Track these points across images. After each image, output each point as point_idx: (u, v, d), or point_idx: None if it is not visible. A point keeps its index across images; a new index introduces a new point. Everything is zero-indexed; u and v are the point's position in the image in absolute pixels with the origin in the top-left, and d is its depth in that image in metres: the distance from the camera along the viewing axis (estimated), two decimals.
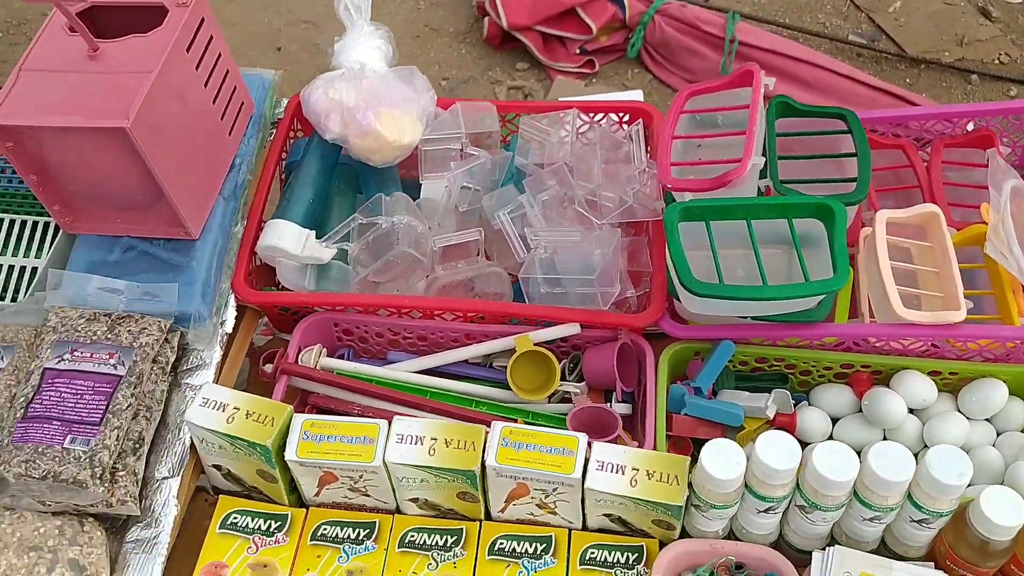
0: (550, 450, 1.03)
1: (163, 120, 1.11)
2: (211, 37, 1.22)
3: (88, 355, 1.09)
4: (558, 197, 1.31)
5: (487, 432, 1.05)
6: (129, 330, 1.12)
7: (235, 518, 1.11)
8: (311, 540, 1.10)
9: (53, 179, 1.16)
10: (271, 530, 1.10)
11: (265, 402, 1.07)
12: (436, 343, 1.27)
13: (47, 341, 1.11)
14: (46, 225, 1.26)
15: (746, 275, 1.13)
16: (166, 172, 1.12)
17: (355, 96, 1.29)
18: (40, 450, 1.02)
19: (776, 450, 0.96)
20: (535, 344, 1.20)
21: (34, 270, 1.23)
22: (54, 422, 1.04)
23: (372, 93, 1.29)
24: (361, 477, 1.07)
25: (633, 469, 1.02)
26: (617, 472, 1.01)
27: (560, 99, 1.68)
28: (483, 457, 1.03)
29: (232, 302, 1.23)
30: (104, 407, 1.05)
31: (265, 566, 1.08)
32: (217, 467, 1.12)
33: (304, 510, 1.13)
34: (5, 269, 1.23)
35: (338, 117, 1.29)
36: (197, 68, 1.19)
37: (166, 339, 1.14)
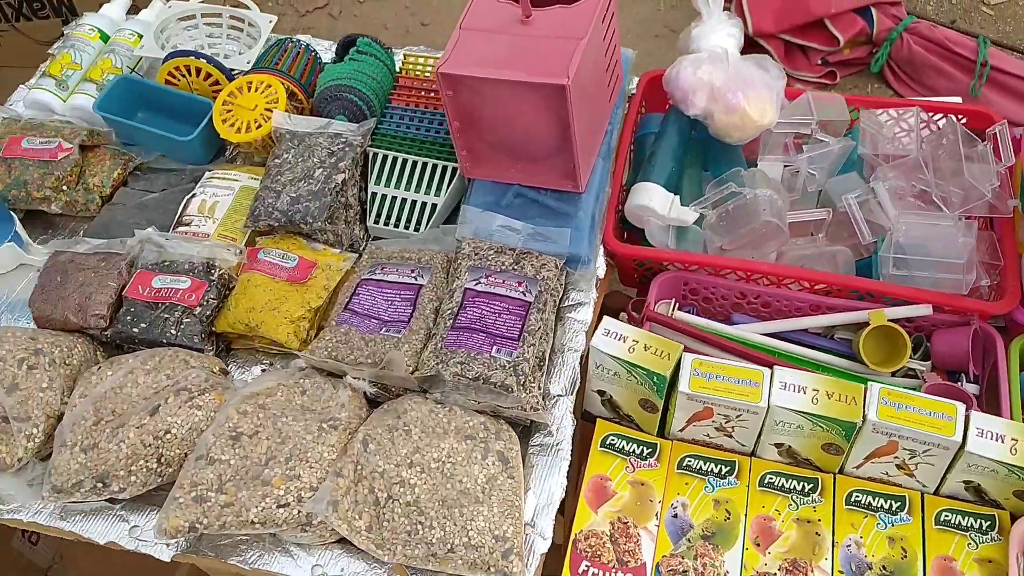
0: (929, 413, 1.12)
1: (583, 82, 1.25)
2: (614, 12, 1.35)
3: (500, 281, 1.24)
4: (898, 187, 1.39)
5: (866, 389, 1.14)
6: (531, 264, 1.26)
7: (612, 440, 1.24)
8: (677, 468, 1.22)
9: (472, 127, 1.32)
10: (644, 454, 1.23)
11: (658, 338, 1.20)
12: (778, 310, 1.37)
13: (464, 266, 1.26)
14: (444, 168, 1.41)
15: None
16: (578, 129, 1.25)
17: (723, 77, 1.40)
18: (472, 355, 1.16)
19: None
20: (888, 320, 1.28)
21: (433, 206, 1.39)
22: (480, 334, 1.19)
23: (738, 75, 1.41)
24: (737, 417, 1.18)
25: (1012, 439, 1.09)
26: (998, 440, 1.09)
27: None
28: (864, 412, 1.13)
29: (602, 252, 1.36)
30: (520, 326, 1.20)
31: (643, 484, 1.20)
32: (600, 392, 1.25)
33: (669, 442, 1.24)
34: (409, 203, 1.39)
35: (704, 95, 1.41)
36: (603, 38, 1.32)
37: (558, 276, 1.28)
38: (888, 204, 1.37)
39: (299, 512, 1.07)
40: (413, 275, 1.28)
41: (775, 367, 1.18)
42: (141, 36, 1.60)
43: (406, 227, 1.39)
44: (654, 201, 1.36)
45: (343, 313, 1.24)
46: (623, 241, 1.41)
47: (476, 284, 1.24)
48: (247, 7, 1.65)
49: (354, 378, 1.19)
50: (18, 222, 1.38)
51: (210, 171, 1.44)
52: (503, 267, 1.26)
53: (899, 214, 1.35)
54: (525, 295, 1.23)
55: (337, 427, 1.13)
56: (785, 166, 1.48)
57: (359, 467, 1.11)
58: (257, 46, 1.58)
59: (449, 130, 1.32)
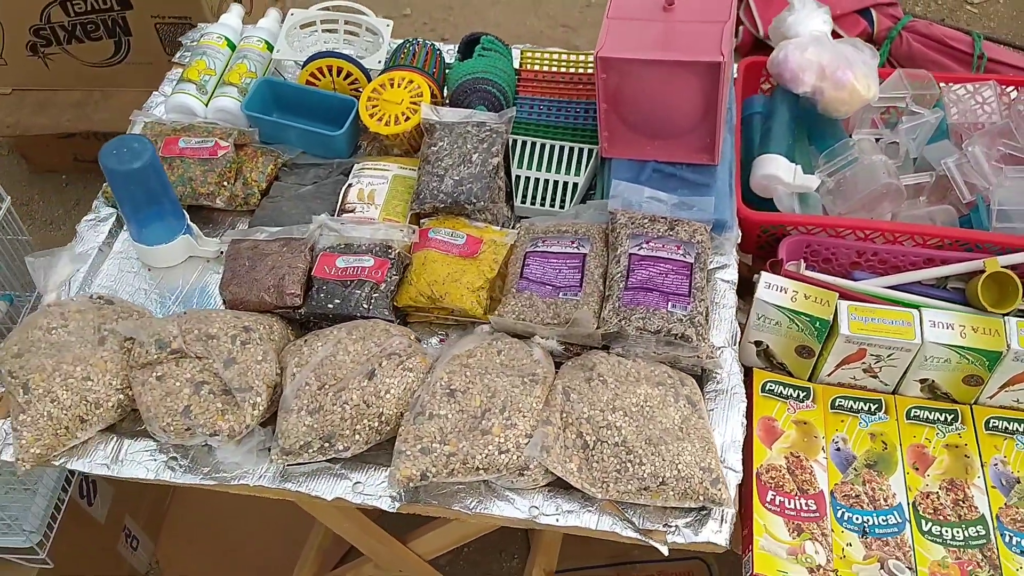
0: None
1: (726, 60, 1.37)
2: None
3: (661, 245, 1.36)
4: (987, 151, 1.54)
5: (1005, 322, 1.28)
6: (684, 230, 1.38)
7: (771, 386, 1.36)
8: (831, 408, 1.34)
9: (617, 108, 1.44)
10: (800, 397, 1.35)
11: (815, 288, 1.32)
12: (894, 266, 1.51)
13: (623, 234, 1.38)
14: (580, 150, 1.53)
15: None
16: (721, 105, 1.38)
17: (828, 56, 1.54)
18: (650, 311, 1.28)
19: None
20: (1001, 266, 1.42)
21: (574, 185, 1.50)
22: (653, 292, 1.30)
23: (842, 55, 1.55)
24: (888, 356, 1.31)
25: None
26: None
27: None
28: (1007, 342, 1.26)
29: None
30: (688, 284, 1.31)
31: (804, 423, 1.32)
32: (757, 343, 1.37)
33: (819, 386, 1.37)
34: (551, 183, 1.51)
35: (813, 73, 1.54)
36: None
37: (709, 240, 1.40)
38: (984, 165, 1.52)
39: (518, 457, 1.17)
40: (574, 246, 1.39)
41: (922, 308, 1.31)
42: (268, 42, 1.70)
43: (551, 205, 1.50)
44: (780, 170, 1.49)
45: (520, 281, 1.35)
46: None
47: (639, 249, 1.35)
48: (363, 13, 1.75)
49: (543, 338, 1.30)
50: (188, 217, 1.46)
51: (358, 163, 1.54)
52: (660, 233, 1.37)
53: (997, 173, 1.50)
54: (685, 257, 1.35)
55: (537, 381, 1.24)
56: (876, 139, 1.62)
57: (564, 415, 1.21)
58: (383, 47, 1.68)
59: (587, 114, 1.45)
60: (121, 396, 1.25)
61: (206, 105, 1.63)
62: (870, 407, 1.35)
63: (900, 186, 1.48)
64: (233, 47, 1.72)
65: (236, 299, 1.35)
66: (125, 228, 1.52)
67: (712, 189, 1.46)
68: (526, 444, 1.18)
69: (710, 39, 1.34)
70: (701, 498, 1.16)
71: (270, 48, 1.70)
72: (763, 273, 1.35)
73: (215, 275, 1.45)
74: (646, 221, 1.40)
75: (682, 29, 1.38)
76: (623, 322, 1.28)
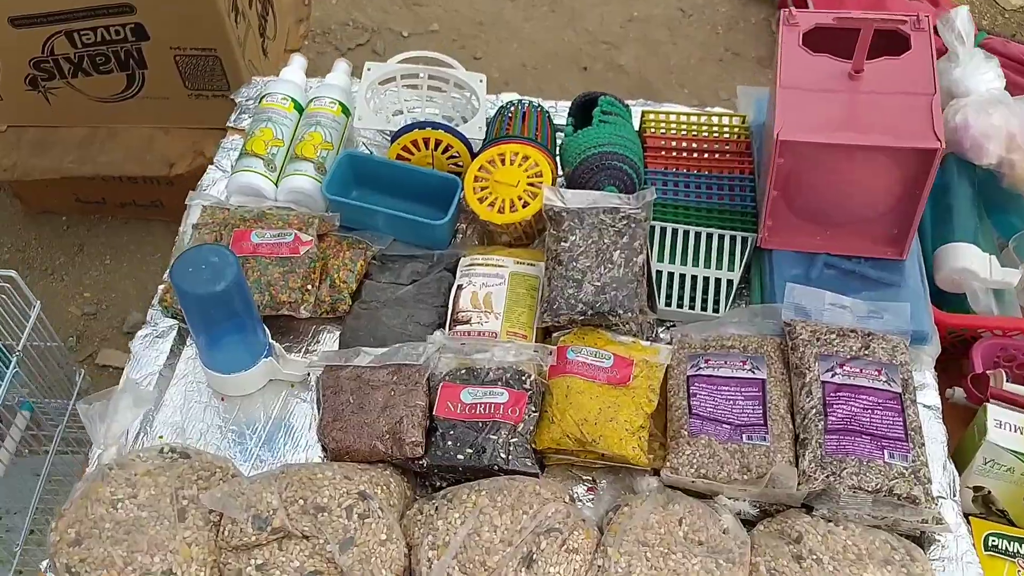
0: None
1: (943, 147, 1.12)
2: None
3: (858, 370, 1.11)
4: None
5: None
6: (882, 348, 1.14)
7: (994, 541, 1.12)
8: None
9: (787, 194, 1.19)
10: None
11: None
12: None
13: (809, 354, 1.13)
14: (732, 239, 1.28)
15: None
16: (927, 193, 1.13)
17: (1018, 122, 1.30)
18: (864, 463, 1.03)
19: None
20: None
21: (729, 282, 1.25)
22: (863, 436, 1.06)
23: None
24: None
25: None
26: None
27: None
28: None
29: None
30: (902, 423, 1.07)
31: None
32: (977, 488, 1.13)
33: None
34: (700, 280, 1.26)
35: (1001, 142, 1.30)
36: None
37: (909, 359, 1.15)
38: None
39: None
40: (747, 367, 1.14)
41: None
42: (341, 103, 1.43)
43: (701, 308, 1.25)
44: (975, 263, 1.25)
45: (692, 421, 1.09)
46: None
47: (832, 376, 1.11)
48: (450, 65, 1.49)
49: (730, 498, 1.05)
50: (268, 334, 1.20)
51: (464, 255, 1.28)
52: (854, 353, 1.13)
53: None
54: (890, 385, 1.10)
55: (734, 561, 0.99)
56: None
57: None
58: (481, 109, 1.42)
59: (732, 191, 1.23)
60: None
61: (276, 184, 1.36)
62: None
63: None
64: (300, 109, 1.45)
65: (341, 448, 1.09)
66: (189, 345, 1.25)
67: (904, 291, 1.21)
68: None
69: (918, 118, 1.09)
70: None
71: (345, 111, 1.44)
72: (989, 406, 1.10)
73: (302, 403, 1.20)
74: (833, 336, 1.15)
75: (877, 103, 1.13)
76: (832, 478, 1.03)
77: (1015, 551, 1.11)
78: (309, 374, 1.21)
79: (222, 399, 1.20)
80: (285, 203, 1.35)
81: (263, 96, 1.46)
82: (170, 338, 1.24)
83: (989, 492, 1.13)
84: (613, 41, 3.32)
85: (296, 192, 1.34)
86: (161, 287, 1.28)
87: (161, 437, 1.16)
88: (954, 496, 1.10)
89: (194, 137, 2.54)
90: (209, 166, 1.45)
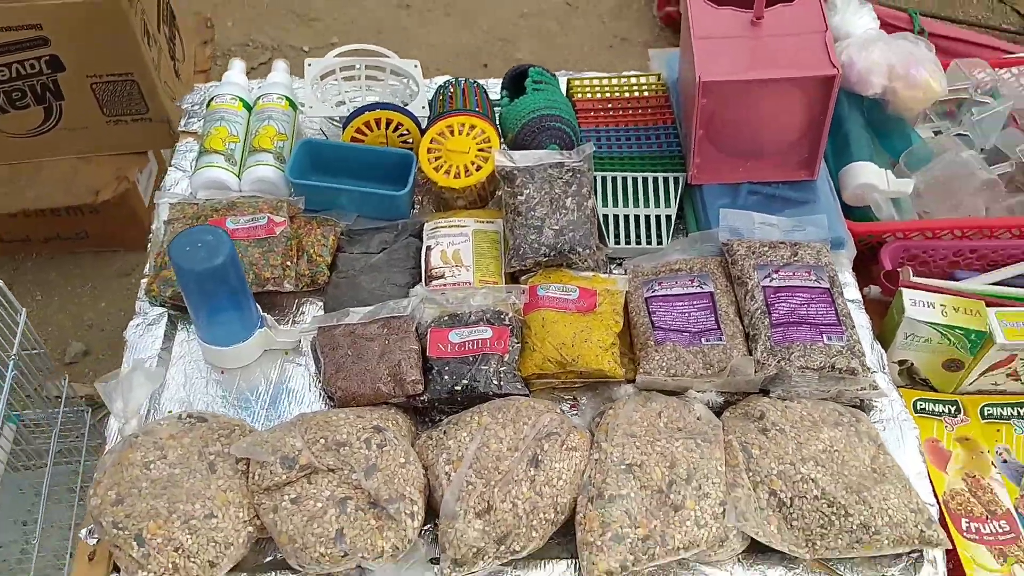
0: None
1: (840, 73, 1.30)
2: None
3: (791, 274, 1.27)
4: None
5: None
6: (809, 253, 1.30)
7: (921, 404, 1.30)
8: (983, 419, 1.29)
9: (711, 132, 1.35)
10: (952, 412, 1.29)
11: (961, 300, 1.27)
12: (992, 261, 1.47)
13: (747, 265, 1.29)
14: (665, 180, 1.43)
15: None
16: (829, 118, 1.31)
17: (896, 55, 1.50)
18: (808, 347, 1.19)
19: None
20: None
21: (668, 218, 1.41)
22: (803, 326, 1.22)
23: (908, 52, 1.51)
24: None
25: None
26: None
27: None
28: None
29: None
30: (834, 311, 1.24)
31: (967, 439, 1.27)
32: (901, 362, 1.31)
33: (963, 396, 1.31)
34: (641, 219, 1.41)
35: (883, 75, 1.50)
36: None
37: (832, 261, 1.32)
38: None
39: (717, 528, 1.07)
40: (695, 284, 1.29)
41: None
42: (288, 98, 1.53)
43: (647, 243, 1.40)
44: (873, 177, 1.43)
45: (656, 332, 1.24)
46: None
47: (770, 280, 1.27)
48: (384, 55, 1.60)
49: (699, 391, 1.19)
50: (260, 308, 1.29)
51: (427, 222, 1.40)
52: (786, 260, 1.29)
53: None
54: (819, 283, 1.27)
55: (710, 440, 1.13)
56: (935, 132, 1.59)
57: (751, 474, 1.11)
58: (420, 91, 1.54)
59: (658, 139, 1.43)
60: (251, 529, 1.08)
61: (239, 177, 1.45)
62: (1020, 411, 1.30)
63: (997, 179, 1.44)
64: (248, 107, 1.54)
65: (348, 395, 1.19)
66: (180, 329, 1.33)
67: (819, 206, 1.39)
68: (722, 513, 1.08)
69: (816, 51, 1.27)
70: (916, 541, 1.08)
71: (292, 105, 1.53)
72: (904, 290, 1.28)
73: (298, 367, 1.29)
74: (766, 248, 1.31)
75: (779, 43, 1.30)
76: (783, 363, 1.19)
77: (940, 411, 1.29)
78: (301, 340, 1.30)
79: (222, 372, 1.28)
80: (250, 192, 1.44)
81: (211, 99, 1.54)
82: (162, 324, 1.32)
83: (912, 364, 1.31)
84: (508, 37, 3.48)
85: (260, 181, 1.43)
86: (144, 280, 1.35)
87: (171, 412, 1.23)
88: (884, 370, 1.27)
89: (117, 163, 2.58)
90: (169, 167, 1.52)
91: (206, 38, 2.97)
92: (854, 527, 1.07)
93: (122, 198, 2.55)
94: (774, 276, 1.27)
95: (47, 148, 2.53)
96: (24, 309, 1.39)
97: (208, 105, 1.54)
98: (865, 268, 1.45)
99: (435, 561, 1.09)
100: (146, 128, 2.52)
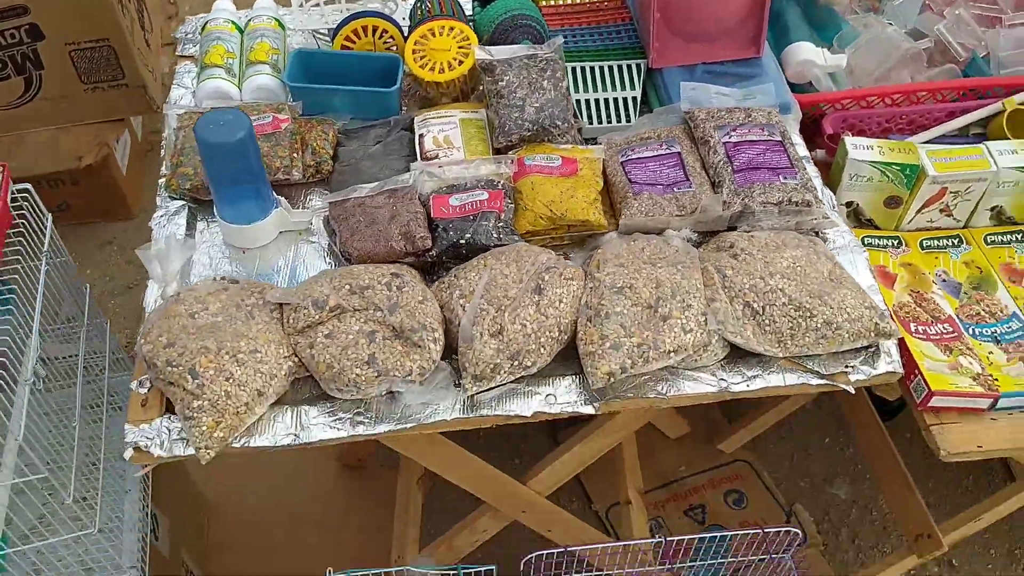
0: None
1: None
2: None
3: (747, 131, 1.44)
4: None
5: None
6: (760, 115, 1.47)
7: (868, 240, 1.47)
8: (922, 250, 1.47)
9: (667, 18, 1.51)
10: (895, 245, 1.47)
11: (893, 142, 1.44)
12: (921, 125, 1.66)
13: (708, 127, 1.45)
14: (628, 67, 1.59)
15: None
16: None
17: None
18: (767, 186, 1.36)
19: None
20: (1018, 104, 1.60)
21: (634, 99, 1.57)
22: (761, 170, 1.38)
23: None
24: (966, 191, 1.45)
25: None
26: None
27: None
28: None
29: None
30: (787, 157, 1.40)
31: (909, 264, 1.44)
32: (848, 204, 1.48)
33: (904, 233, 1.49)
34: (611, 101, 1.56)
35: None
36: None
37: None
38: (974, 25, 1.69)
39: (701, 334, 1.22)
40: (663, 148, 1.45)
41: (983, 141, 1.46)
42: (276, 18, 1.66)
43: (618, 121, 1.55)
44: (811, 55, 1.61)
45: (633, 186, 1.39)
46: None
47: (729, 138, 1.43)
48: None
49: (674, 229, 1.35)
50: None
51: (417, 115, 1.54)
52: (741, 121, 1.46)
53: (986, 30, 1.67)
54: (772, 136, 1.43)
55: (689, 266, 1.29)
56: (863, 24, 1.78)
57: (727, 290, 1.27)
58: (399, 9, 1.68)
59: (619, 34, 1.60)
60: (291, 363, 1.21)
61: (239, 88, 1.57)
62: (953, 242, 1.48)
63: (920, 49, 1.62)
64: (240, 30, 1.67)
65: (364, 254, 1.33)
66: (200, 220, 1.45)
67: (766, 78, 1.56)
68: (704, 320, 1.23)
69: None
70: (872, 334, 1.24)
71: (280, 25, 1.66)
72: (845, 137, 1.45)
73: (312, 246, 1.42)
74: (723, 113, 1.47)
75: None
76: (746, 200, 1.35)
77: (884, 244, 1.47)
78: (313, 221, 1.43)
79: (243, 252, 1.40)
80: (251, 100, 1.56)
81: (205, 23, 1.67)
82: (183, 215, 1.44)
83: (857, 205, 1.48)
84: None
85: (260, 89, 1.56)
86: (162, 180, 1.47)
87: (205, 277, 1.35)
88: (834, 209, 1.44)
89: (95, 131, 2.67)
90: (172, 86, 1.64)
91: (170, 13, 3.07)
92: (819, 325, 1.23)
93: (103, 163, 2.64)
94: (732, 134, 1.44)
95: (27, 120, 2.61)
96: (50, 215, 1.50)
97: (203, 30, 1.67)
98: (810, 139, 1.62)
99: (457, 385, 1.23)
100: (124, 94, 2.63)
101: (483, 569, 1.50)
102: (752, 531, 1.47)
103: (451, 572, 1.49)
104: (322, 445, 1.20)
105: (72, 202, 2.77)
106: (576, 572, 1.47)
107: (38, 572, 1.50)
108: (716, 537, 1.47)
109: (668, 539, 1.45)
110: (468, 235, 1.33)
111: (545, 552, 1.42)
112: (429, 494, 2.07)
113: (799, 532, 1.48)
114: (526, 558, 1.44)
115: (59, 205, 2.76)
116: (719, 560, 1.53)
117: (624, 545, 1.47)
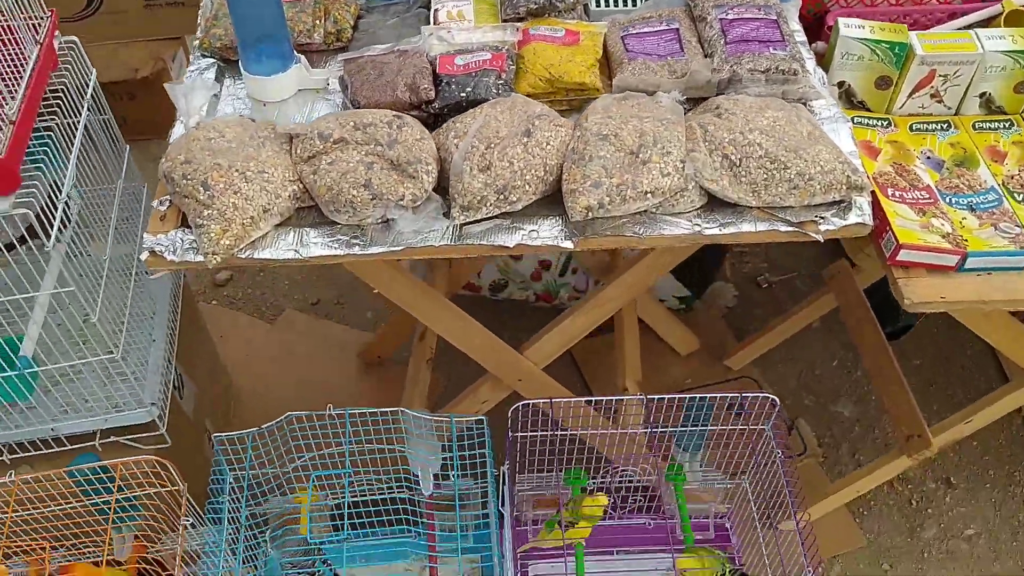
0: None
1: None
2: None
3: (744, 10, 1.51)
4: None
5: None
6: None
7: (859, 120, 1.53)
8: (911, 131, 1.52)
9: None
10: (884, 125, 1.52)
11: (884, 23, 1.50)
12: (924, 25, 1.70)
13: (707, 6, 1.52)
14: None
15: None
16: None
17: None
18: (756, 56, 1.43)
19: None
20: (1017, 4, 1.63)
21: None
22: (752, 42, 1.45)
23: None
24: (955, 74, 1.49)
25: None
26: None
27: None
28: None
29: None
30: (779, 32, 1.47)
31: (895, 141, 1.50)
32: (839, 84, 1.54)
33: (896, 117, 1.54)
34: None
35: None
36: None
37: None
38: None
39: (678, 179, 1.30)
40: (663, 25, 1.53)
41: (973, 29, 1.50)
42: None
43: (624, 5, 1.63)
44: None
45: (629, 54, 1.47)
46: None
47: (726, 15, 1.50)
48: None
49: (665, 92, 1.43)
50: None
51: None
52: (740, 1, 1.52)
53: None
54: (768, 15, 1.50)
55: (675, 121, 1.37)
56: None
57: (707, 143, 1.34)
58: None
59: None
60: (295, 187, 1.32)
61: None
62: (942, 126, 1.53)
63: None
64: None
65: (371, 103, 1.43)
66: (227, 78, 1.57)
67: None
68: (682, 167, 1.31)
69: None
70: (844, 187, 1.31)
71: None
72: (839, 18, 1.51)
73: (329, 104, 1.52)
74: None
75: None
76: (735, 67, 1.42)
77: (874, 124, 1.52)
78: (330, 81, 1.54)
79: (264, 104, 1.52)
80: None
81: None
82: (212, 71, 1.56)
83: (849, 86, 1.54)
84: None
85: None
86: (196, 41, 1.60)
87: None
88: (824, 86, 1.50)
89: (151, 47, 2.82)
90: None
91: None
92: (792, 176, 1.30)
93: (157, 77, 2.79)
94: (729, 12, 1.51)
95: (89, 32, 2.76)
96: (94, 70, 1.64)
97: None
98: (815, 37, 1.68)
99: (447, 215, 1.32)
100: (181, 13, 2.77)
101: (474, 418, 1.60)
102: (731, 395, 1.55)
103: (444, 419, 1.59)
104: (320, 263, 1.31)
105: (129, 116, 2.92)
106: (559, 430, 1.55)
107: (69, 404, 1.64)
108: (696, 398, 1.54)
109: (650, 396, 1.53)
110: (469, 89, 1.42)
111: (531, 401, 1.52)
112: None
113: (776, 400, 1.55)
114: (513, 407, 1.54)
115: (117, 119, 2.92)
116: (701, 427, 1.60)
117: (607, 400, 1.56)
